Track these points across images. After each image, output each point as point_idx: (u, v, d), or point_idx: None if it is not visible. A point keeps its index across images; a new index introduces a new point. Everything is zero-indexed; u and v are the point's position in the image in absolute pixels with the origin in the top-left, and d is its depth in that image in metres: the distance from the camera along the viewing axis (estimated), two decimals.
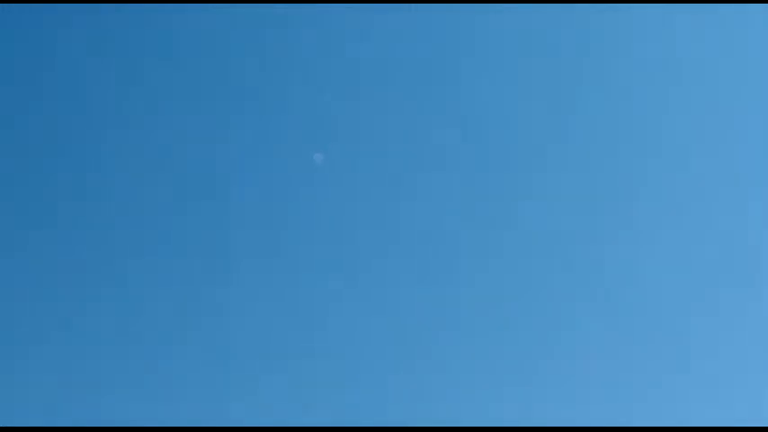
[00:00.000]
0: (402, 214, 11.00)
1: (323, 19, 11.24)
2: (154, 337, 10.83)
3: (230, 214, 11.04)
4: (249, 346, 10.82)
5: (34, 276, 10.91)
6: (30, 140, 11.13)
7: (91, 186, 11.08)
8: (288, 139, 11.16)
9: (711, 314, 10.73)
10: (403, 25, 11.28)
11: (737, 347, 10.64)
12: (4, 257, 10.91)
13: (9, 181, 11.04)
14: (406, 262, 10.92)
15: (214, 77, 11.23)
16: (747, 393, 10.51)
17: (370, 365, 10.76)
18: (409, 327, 10.82)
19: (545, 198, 10.97)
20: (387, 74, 11.22)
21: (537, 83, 11.17)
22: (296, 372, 10.75)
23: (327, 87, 11.18)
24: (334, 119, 11.18)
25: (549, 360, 10.72)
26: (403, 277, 10.90)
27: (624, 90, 11.14)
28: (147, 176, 11.09)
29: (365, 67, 11.24)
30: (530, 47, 11.20)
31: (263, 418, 10.64)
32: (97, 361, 10.78)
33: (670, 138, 11.07)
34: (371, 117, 11.16)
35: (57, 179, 11.08)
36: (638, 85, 11.15)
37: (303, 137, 11.18)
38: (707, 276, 10.79)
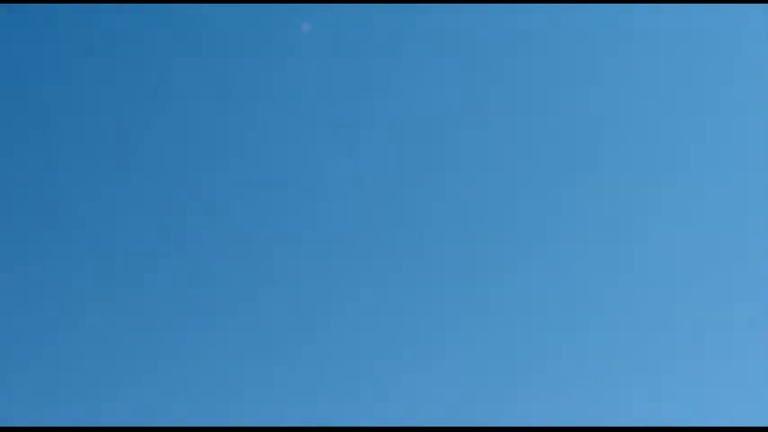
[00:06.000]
0: (399, 214, 11.02)
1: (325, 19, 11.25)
2: (156, 337, 10.84)
3: (235, 215, 11.05)
4: (249, 346, 10.83)
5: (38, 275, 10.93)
6: (30, 141, 11.14)
7: (92, 188, 11.10)
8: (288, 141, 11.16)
9: (711, 314, 10.75)
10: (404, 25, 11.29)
11: (737, 347, 10.66)
12: (12, 259, 10.93)
13: (11, 182, 11.05)
14: (404, 261, 10.94)
15: (210, 77, 11.24)
16: (747, 393, 10.53)
17: (370, 366, 10.78)
18: (409, 326, 10.84)
19: (543, 198, 10.97)
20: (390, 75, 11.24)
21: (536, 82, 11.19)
22: (296, 371, 10.77)
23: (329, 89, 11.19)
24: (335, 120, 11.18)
25: (549, 360, 10.73)
26: (401, 276, 10.91)
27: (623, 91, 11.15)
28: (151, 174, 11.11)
29: (366, 67, 11.25)
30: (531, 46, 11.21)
31: (262, 418, 10.65)
32: (99, 360, 10.80)
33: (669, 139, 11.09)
34: (375, 119, 11.17)
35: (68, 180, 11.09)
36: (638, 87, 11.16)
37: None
38: (706, 276, 10.81)
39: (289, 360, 10.80)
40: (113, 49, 11.22)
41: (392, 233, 10.98)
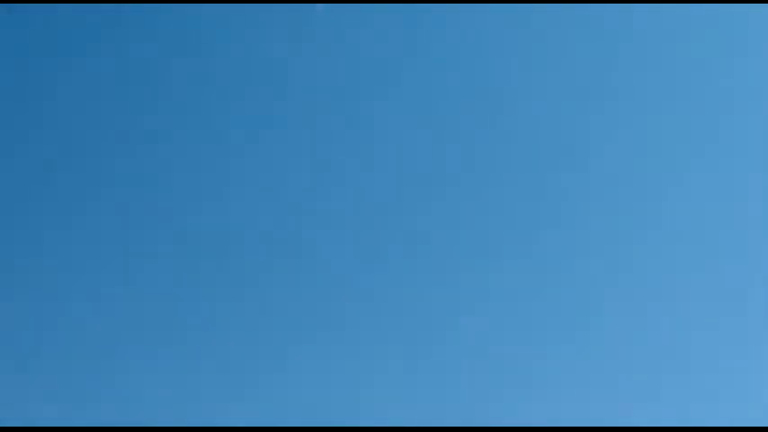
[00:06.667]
0: (400, 215, 11.02)
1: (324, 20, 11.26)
2: (154, 337, 10.85)
3: (235, 215, 11.06)
4: (249, 345, 10.83)
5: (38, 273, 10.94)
6: (33, 142, 11.15)
7: (94, 188, 11.11)
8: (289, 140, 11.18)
9: (710, 314, 10.74)
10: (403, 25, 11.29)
11: (738, 347, 10.65)
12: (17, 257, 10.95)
13: (15, 183, 11.06)
14: (404, 261, 10.94)
15: (212, 77, 11.24)
16: (747, 393, 10.52)
17: (370, 366, 10.78)
18: (408, 326, 10.84)
19: (546, 197, 10.97)
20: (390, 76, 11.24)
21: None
22: (295, 371, 10.78)
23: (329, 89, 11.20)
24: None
25: (548, 360, 10.73)
26: (402, 275, 10.92)
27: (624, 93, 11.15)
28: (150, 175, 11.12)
29: (364, 67, 11.26)
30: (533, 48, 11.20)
31: (262, 418, 10.65)
32: (98, 360, 10.81)
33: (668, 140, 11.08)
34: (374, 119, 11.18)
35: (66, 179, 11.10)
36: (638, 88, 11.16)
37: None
38: (705, 276, 10.80)
39: (288, 359, 10.81)
40: (114, 49, 11.24)
41: (388, 234, 11.00)
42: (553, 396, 10.63)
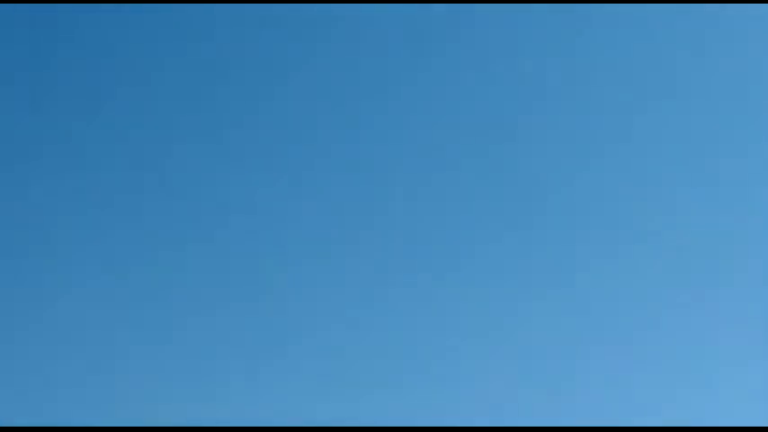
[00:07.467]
0: (404, 213, 11.01)
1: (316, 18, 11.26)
2: (150, 336, 10.84)
3: (230, 212, 11.06)
4: (248, 344, 10.83)
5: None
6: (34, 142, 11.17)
7: (94, 187, 11.12)
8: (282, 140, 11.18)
9: (709, 313, 10.72)
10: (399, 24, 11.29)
11: (737, 347, 10.63)
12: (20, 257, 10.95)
13: (15, 183, 11.07)
14: (405, 260, 10.93)
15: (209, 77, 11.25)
16: (747, 393, 10.50)
17: (370, 364, 10.77)
18: (408, 326, 10.83)
19: (549, 196, 10.96)
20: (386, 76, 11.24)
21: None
22: (295, 371, 10.77)
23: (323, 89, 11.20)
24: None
25: (548, 359, 10.72)
26: (403, 274, 10.91)
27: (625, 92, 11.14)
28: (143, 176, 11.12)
29: (361, 67, 11.26)
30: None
31: (262, 417, 10.64)
32: (96, 359, 10.81)
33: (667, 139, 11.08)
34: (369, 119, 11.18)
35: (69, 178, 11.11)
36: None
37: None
38: (705, 274, 10.78)
39: (286, 359, 10.80)
40: (116, 49, 11.25)
41: (383, 235, 11.00)
42: (553, 396, 10.62)
